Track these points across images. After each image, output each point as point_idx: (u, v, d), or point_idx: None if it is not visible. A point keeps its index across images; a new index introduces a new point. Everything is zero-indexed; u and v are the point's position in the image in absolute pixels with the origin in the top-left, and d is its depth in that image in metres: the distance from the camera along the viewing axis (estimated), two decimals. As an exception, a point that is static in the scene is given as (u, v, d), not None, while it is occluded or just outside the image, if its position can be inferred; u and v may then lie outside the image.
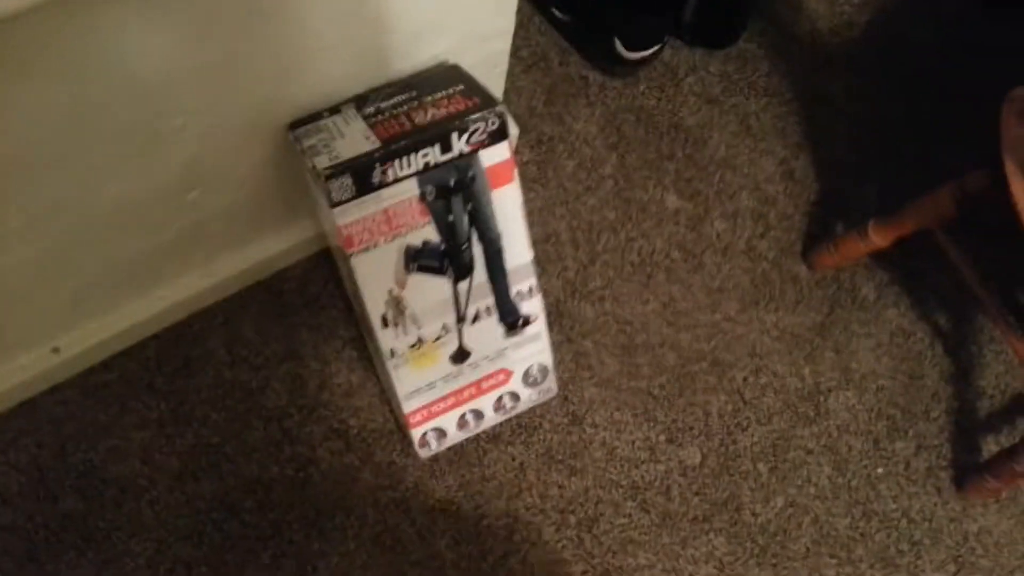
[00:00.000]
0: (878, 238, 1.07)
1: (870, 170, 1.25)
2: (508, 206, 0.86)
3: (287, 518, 0.98)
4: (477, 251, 0.88)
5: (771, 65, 1.30)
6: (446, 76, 0.87)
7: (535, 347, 0.98)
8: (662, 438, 1.07)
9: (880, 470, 1.09)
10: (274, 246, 1.03)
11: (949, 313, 1.18)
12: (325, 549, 0.97)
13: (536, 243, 1.11)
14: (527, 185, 1.17)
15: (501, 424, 1.04)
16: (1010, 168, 0.82)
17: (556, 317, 1.10)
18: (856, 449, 1.10)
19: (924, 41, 1.36)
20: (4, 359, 0.94)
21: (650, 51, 1.19)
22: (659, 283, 1.15)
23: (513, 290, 0.92)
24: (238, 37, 0.72)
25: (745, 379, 1.11)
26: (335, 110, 0.85)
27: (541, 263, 1.12)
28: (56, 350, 0.96)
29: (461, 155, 0.81)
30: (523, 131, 1.17)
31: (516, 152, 1.17)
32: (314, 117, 0.84)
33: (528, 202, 1.13)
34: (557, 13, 1.22)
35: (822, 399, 1.12)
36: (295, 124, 0.84)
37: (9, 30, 0.55)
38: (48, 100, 0.66)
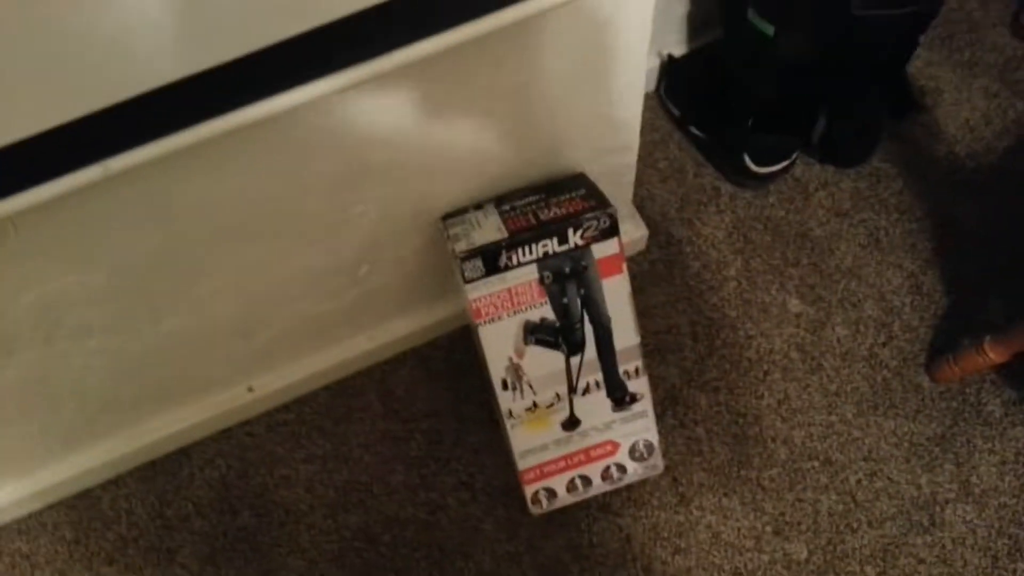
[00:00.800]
0: (994, 354, 1.08)
1: (998, 290, 1.24)
2: (617, 293, 0.99)
3: (416, 555, 1.12)
4: (588, 331, 1.01)
5: (904, 184, 1.32)
6: (572, 182, 1.03)
7: (641, 424, 1.08)
8: (768, 529, 1.11)
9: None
10: (427, 318, 1.21)
11: (1083, 438, 1.15)
12: (446, 588, 1.09)
13: (656, 333, 1.22)
14: (653, 281, 1.26)
15: (610, 495, 1.13)
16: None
17: (670, 403, 1.18)
18: (973, 565, 1.08)
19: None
20: (210, 394, 1.17)
21: (778, 166, 1.28)
22: (775, 380, 1.20)
23: (621, 369, 1.04)
24: (413, 146, 0.91)
25: (858, 481, 1.13)
26: (479, 206, 1.03)
27: (660, 351, 1.21)
28: (251, 389, 1.18)
29: (575, 247, 0.95)
30: (653, 232, 1.28)
31: (646, 251, 1.28)
32: (462, 211, 1.02)
33: (651, 296, 1.24)
34: (694, 130, 1.34)
35: (939, 510, 1.11)
36: (446, 216, 1.03)
37: (245, 136, 0.73)
38: (261, 187, 0.86)
